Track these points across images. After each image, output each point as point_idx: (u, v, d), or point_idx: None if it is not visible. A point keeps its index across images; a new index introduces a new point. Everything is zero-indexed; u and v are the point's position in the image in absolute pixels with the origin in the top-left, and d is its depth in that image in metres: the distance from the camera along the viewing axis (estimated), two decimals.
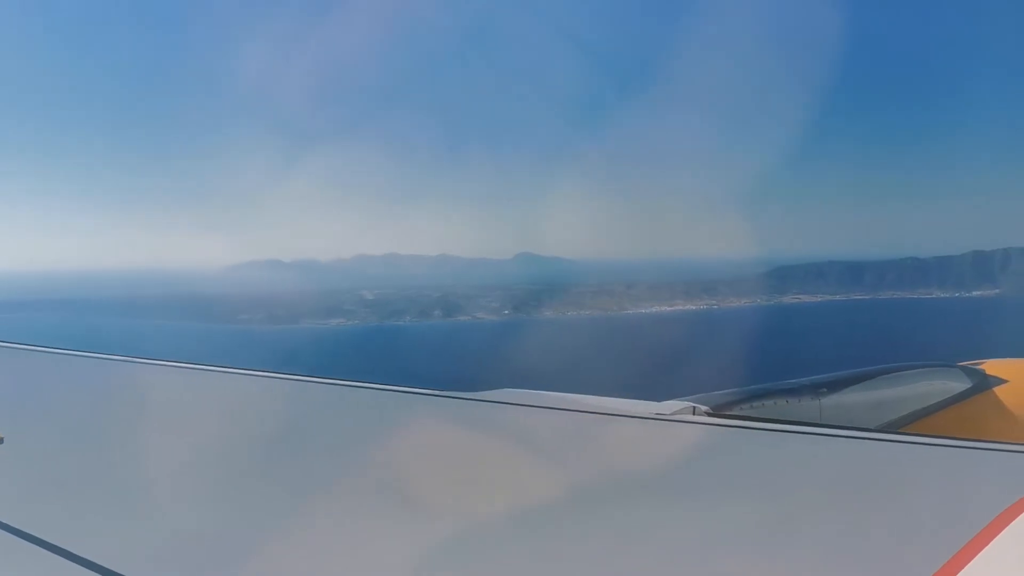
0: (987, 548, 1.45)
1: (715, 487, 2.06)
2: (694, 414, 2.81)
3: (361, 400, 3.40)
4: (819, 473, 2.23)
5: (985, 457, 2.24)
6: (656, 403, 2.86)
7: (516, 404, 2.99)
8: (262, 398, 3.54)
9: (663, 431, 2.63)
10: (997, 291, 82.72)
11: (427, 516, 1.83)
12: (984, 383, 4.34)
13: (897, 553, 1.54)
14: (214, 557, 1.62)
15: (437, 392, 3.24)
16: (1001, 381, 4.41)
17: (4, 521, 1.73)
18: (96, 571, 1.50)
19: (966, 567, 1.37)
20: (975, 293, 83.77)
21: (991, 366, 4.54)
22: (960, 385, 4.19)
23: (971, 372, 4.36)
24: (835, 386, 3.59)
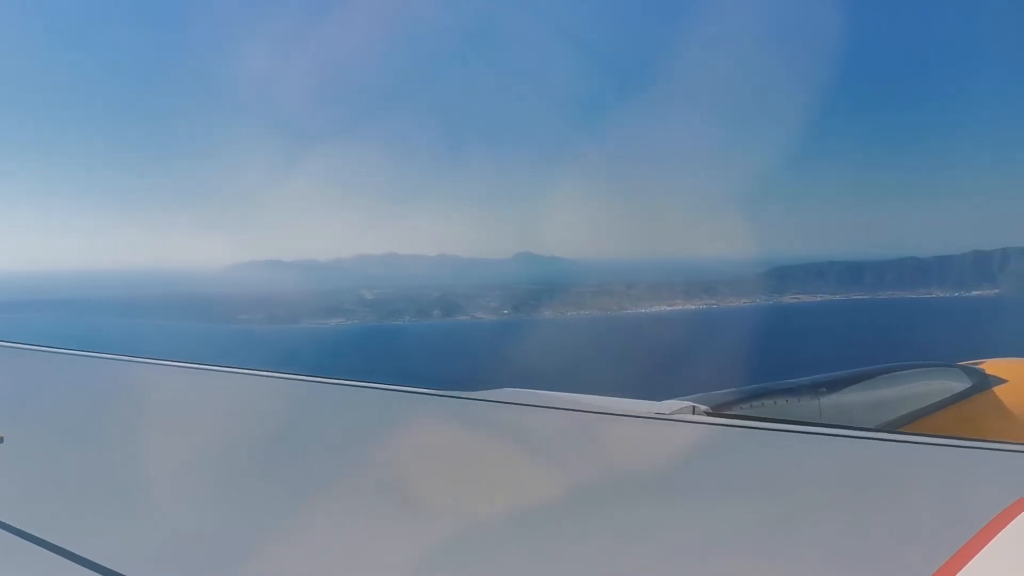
0: (986, 548, 1.45)
1: (715, 486, 2.06)
2: (694, 413, 2.81)
3: (361, 400, 3.40)
4: (819, 472, 2.23)
5: (984, 457, 2.24)
6: (656, 403, 2.86)
7: (516, 404, 2.99)
8: (262, 398, 3.54)
9: (663, 431, 2.63)
10: (997, 291, 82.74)
11: (427, 516, 1.83)
12: (984, 383, 4.34)
13: (896, 552, 1.54)
14: (214, 557, 1.62)
15: (437, 392, 3.24)
16: (1001, 381, 4.41)
17: (4, 521, 1.73)
18: (96, 571, 1.50)
19: (965, 566, 1.37)
20: (975, 293, 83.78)
21: (991, 366, 4.53)
22: (960, 385, 4.19)
23: (971, 372, 4.36)
24: (835, 386, 3.59)
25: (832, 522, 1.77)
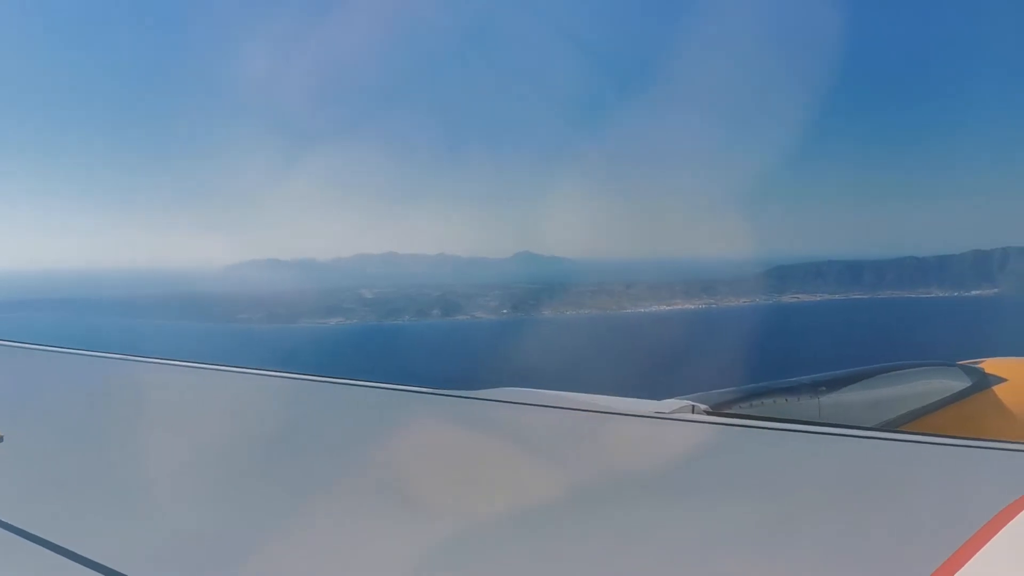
0: (986, 547, 1.45)
1: (714, 486, 2.06)
2: (693, 412, 2.81)
3: (361, 399, 3.40)
4: (818, 471, 2.23)
5: (984, 456, 2.24)
6: (655, 402, 2.86)
7: (515, 403, 2.99)
8: (262, 397, 3.54)
9: (662, 430, 2.63)
10: (997, 290, 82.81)
11: (427, 515, 1.83)
12: (983, 382, 4.34)
13: (896, 551, 1.54)
14: (214, 557, 1.62)
15: (436, 391, 3.24)
16: (1000, 380, 4.41)
17: (4, 520, 1.73)
18: (96, 570, 1.50)
19: (965, 566, 1.38)
20: (975, 292, 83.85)
21: (990, 365, 4.53)
22: (959, 384, 4.18)
23: (970, 371, 4.36)
24: (834, 385, 3.59)
25: (832, 521, 1.77)
